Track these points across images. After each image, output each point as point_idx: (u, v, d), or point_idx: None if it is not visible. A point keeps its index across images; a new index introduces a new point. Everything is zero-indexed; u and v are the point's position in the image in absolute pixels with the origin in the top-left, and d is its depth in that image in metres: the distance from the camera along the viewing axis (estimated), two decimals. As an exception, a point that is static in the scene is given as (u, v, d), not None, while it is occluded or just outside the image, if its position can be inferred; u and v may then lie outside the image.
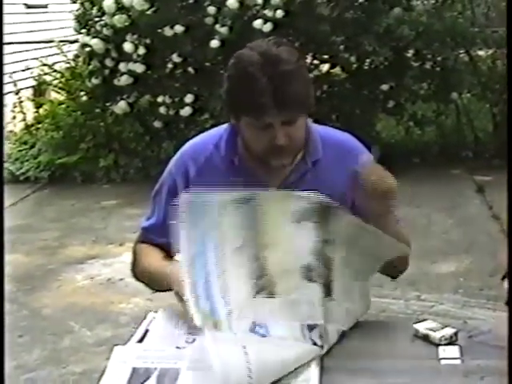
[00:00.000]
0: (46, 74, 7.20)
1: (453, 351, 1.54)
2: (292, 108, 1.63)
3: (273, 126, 1.63)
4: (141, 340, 1.61)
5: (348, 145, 1.81)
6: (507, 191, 1.33)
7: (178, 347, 1.55)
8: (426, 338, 1.58)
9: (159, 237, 1.81)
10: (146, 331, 1.64)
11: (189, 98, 6.07)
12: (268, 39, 1.69)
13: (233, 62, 1.67)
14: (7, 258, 4.36)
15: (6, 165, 6.76)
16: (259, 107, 1.61)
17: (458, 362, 1.50)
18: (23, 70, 8.06)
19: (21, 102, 7.72)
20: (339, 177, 1.70)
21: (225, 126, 1.80)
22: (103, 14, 6.01)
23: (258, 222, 1.46)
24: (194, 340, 1.58)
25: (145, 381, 1.44)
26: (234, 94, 1.66)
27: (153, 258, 1.81)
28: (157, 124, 6.34)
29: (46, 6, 10.80)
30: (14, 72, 8.02)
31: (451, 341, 1.57)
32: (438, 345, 1.56)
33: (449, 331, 1.58)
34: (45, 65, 7.17)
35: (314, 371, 1.45)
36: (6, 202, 5.99)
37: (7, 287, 4.17)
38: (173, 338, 1.60)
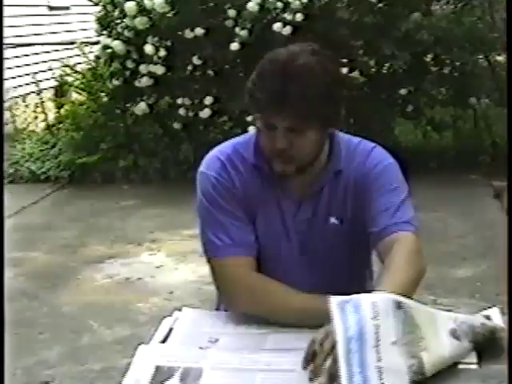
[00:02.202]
0: (67, 74, 7.26)
1: (470, 356, 1.52)
2: (298, 117, 1.61)
3: (277, 128, 1.64)
4: (165, 339, 1.62)
5: (371, 163, 1.78)
6: (507, 189, 1.35)
7: (201, 347, 1.57)
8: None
9: (248, 251, 1.75)
10: (170, 330, 1.66)
11: (208, 100, 6.12)
12: (308, 44, 1.69)
13: (263, 58, 1.68)
14: (28, 255, 4.42)
15: (27, 164, 6.84)
16: (266, 104, 1.62)
17: (475, 366, 1.49)
18: (45, 71, 8.15)
19: (42, 102, 7.80)
20: (357, 196, 1.74)
21: (252, 132, 1.80)
22: (125, 16, 6.06)
23: (412, 325, 1.47)
24: (216, 340, 1.60)
25: (168, 379, 1.45)
26: (252, 88, 1.66)
27: (286, 292, 1.69)
28: (176, 125, 6.38)
29: (68, 8, 10.90)
30: (37, 73, 8.13)
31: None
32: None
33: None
34: (67, 66, 7.23)
35: None
36: (27, 201, 6.08)
37: (28, 284, 4.24)
38: (196, 338, 1.62)
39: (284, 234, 1.79)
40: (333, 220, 1.78)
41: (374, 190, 1.73)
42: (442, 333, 1.50)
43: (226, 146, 1.82)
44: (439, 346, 1.48)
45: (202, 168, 1.80)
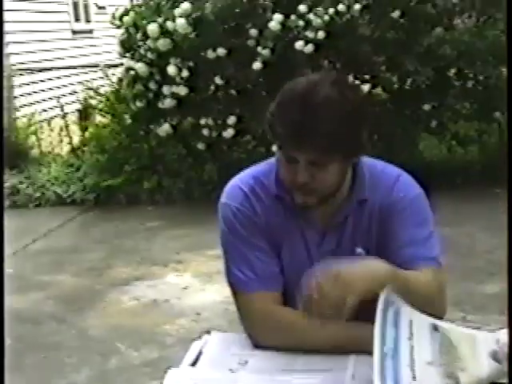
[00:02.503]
0: (91, 97, 7.33)
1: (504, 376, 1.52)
2: (319, 152, 1.57)
3: (298, 162, 1.60)
4: (194, 362, 1.61)
5: (398, 194, 1.72)
6: (507, 192, 1.32)
7: (231, 369, 1.56)
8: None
9: (273, 285, 1.72)
10: (200, 353, 1.65)
11: (231, 120, 6.13)
12: (328, 74, 1.67)
13: (283, 88, 1.64)
14: (55, 278, 4.44)
15: (53, 187, 6.89)
16: (286, 139, 1.59)
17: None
18: (69, 95, 8.24)
19: (67, 125, 7.88)
20: (382, 224, 1.70)
21: (273, 160, 1.74)
22: (147, 38, 6.11)
23: (449, 346, 1.48)
24: (246, 362, 1.59)
25: (198, 402, 1.45)
26: (271, 119, 1.62)
27: (314, 327, 1.63)
28: (200, 146, 6.40)
29: (91, 32, 11.03)
30: (61, 97, 8.22)
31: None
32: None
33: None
34: (90, 89, 7.30)
35: None
36: (54, 224, 6.12)
37: (55, 308, 4.26)
38: (226, 360, 1.61)
39: (309, 265, 1.74)
40: (359, 250, 1.75)
41: (400, 223, 1.69)
42: (482, 354, 1.50)
43: (247, 175, 1.77)
44: (478, 367, 1.47)
45: (223, 199, 1.76)
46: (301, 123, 1.54)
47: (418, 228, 1.69)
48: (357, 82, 6.38)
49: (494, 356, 1.49)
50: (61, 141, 8.00)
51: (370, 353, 1.53)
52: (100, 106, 7.15)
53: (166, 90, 6.16)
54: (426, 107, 6.24)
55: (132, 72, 6.27)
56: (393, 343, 1.41)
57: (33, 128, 8.11)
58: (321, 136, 1.55)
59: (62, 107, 7.99)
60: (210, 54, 5.98)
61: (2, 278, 1.21)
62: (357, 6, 5.89)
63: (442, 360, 1.43)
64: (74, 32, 10.60)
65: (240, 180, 1.77)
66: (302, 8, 5.83)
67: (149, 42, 6.10)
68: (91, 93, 7.29)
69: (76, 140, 7.81)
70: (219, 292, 4.24)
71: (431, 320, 1.47)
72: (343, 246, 1.74)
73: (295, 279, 1.73)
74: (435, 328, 1.46)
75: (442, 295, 1.68)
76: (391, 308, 1.49)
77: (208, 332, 1.75)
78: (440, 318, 1.61)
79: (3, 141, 5.47)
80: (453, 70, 6.36)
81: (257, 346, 1.69)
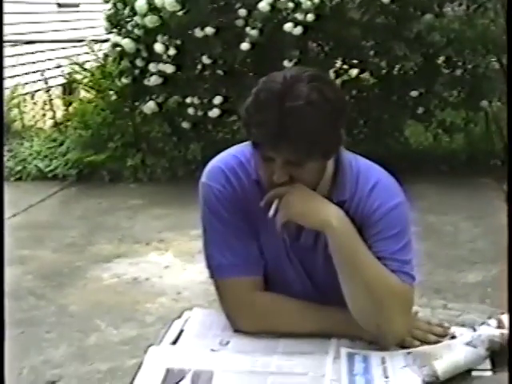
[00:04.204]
0: (76, 72, 7.24)
1: (485, 363, 1.53)
2: (297, 152, 1.52)
3: (275, 161, 1.56)
4: (175, 340, 1.61)
5: (372, 205, 1.64)
6: (507, 192, 1.32)
7: (212, 349, 1.56)
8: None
9: (254, 269, 1.70)
10: (181, 331, 1.64)
11: (217, 100, 6.09)
12: (305, 70, 1.57)
13: (259, 84, 1.57)
14: (35, 253, 4.39)
15: (35, 161, 6.82)
16: (262, 139, 1.54)
17: (489, 373, 1.50)
18: (54, 69, 8.15)
19: (51, 99, 7.79)
20: (357, 229, 1.63)
21: (248, 146, 1.65)
22: (135, 14, 6.03)
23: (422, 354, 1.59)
24: (228, 342, 1.59)
25: (179, 381, 1.45)
26: (246, 118, 1.57)
27: (295, 313, 1.67)
28: (185, 125, 6.35)
29: (77, 6, 10.91)
30: (45, 70, 8.13)
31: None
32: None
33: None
34: (75, 63, 7.22)
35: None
36: (35, 199, 6.06)
37: (35, 283, 4.22)
38: (207, 340, 1.61)
39: (285, 255, 1.72)
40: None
41: (373, 234, 1.62)
42: (457, 343, 1.55)
43: (229, 156, 1.73)
44: (453, 354, 1.51)
45: (205, 179, 1.71)
46: (278, 125, 1.49)
47: (391, 241, 1.62)
48: (345, 66, 6.37)
49: (469, 343, 1.52)
50: (44, 115, 7.92)
51: (350, 337, 1.56)
52: (85, 81, 7.06)
53: (152, 67, 6.10)
54: (414, 94, 6.22)
55: (118, 48, 6.19)
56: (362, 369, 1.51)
57: (16, 101, 8.01)
58: (299, 138, 1.50)
59: (46, 81, 7.90)
60: (198, 33, 5.92)
61: (2, 278, 1.19)
62: (347, -10, 5.85)
63: (416, 362, 1.50)
64: (60, 5, 10.47)
65: (222, 160, 1.73)
66: (292, -11, 5.78)
67: (136, 18, 6.03)
68: (76, 68, 7.20)
69: (59, 115, 7.74)
70: (201, 272, 4.19)
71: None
72: (319, 242, 1.68)
73: (272, 266, 1.72)
74: (408, 353, 1.55)
75: (405, 312, 1.61)
76: (357, 356, 1.55)
77: (189, 309, 1.74)
78: (389, 338, 1.61)
79: (3, 142, 5.38)
80: (441, 58, 6.34)
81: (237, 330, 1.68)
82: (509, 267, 1.27)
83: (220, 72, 6.21)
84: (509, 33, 1.38)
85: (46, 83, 7.82)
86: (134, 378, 1.47)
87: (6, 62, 8.50)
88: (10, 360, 1.27)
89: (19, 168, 6.76)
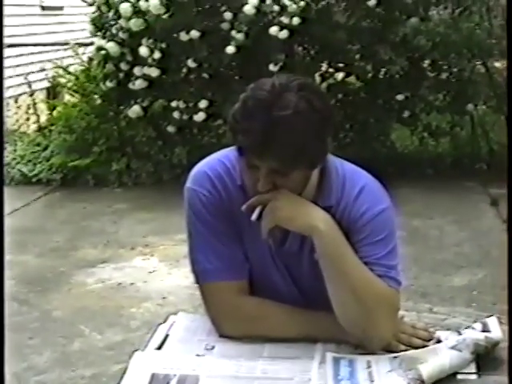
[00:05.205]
0: (60, 76, 7.20)
1: (470, 366, 1.53)
2: (282, 162, 1.51)
3: (259, 169, 1.54)
4: (160, 345, 1.60)
5: (359, 210, 1.63)
6: (507, 192, 1.31)
7: (197, 354, 1.55)
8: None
9: (239, 274, 1.68)
10: (166, 336, 1.63)
11: (203, 104, 6.06)
12: (294, 78, 1.55)
13: (247, 91, 1.56)
14: (18, 258, 4.34)
15: (18, 166, 6.77)
16: (248, 148, 1.53)
17: (474, 376, 1.50)
18: (38, 72, 8.09)
19: (35, 103, 7.74)
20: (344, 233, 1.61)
21: (234, 151, 1.63)
22: (119, 17, 6.00)
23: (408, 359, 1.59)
24: (213, 347, 1.58)
25: (164, 387, 1.43)
26: (233, 125, 1.56)
27: (281, 318, 1.66)
28: (170, 129, 6.33)
29: (61, 9, 10.86)
30: (29, 73, 8.07)
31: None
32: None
33: None
34: (59, 67, 7.17)
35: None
36: (18, 203, 6.01)
37: (18, 288, 4.17)
38: (192, 345, 1.60)
39: (270, 260, 1.71)
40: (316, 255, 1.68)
41: (360, 239, 1.61)
42: (443, 347, 1.55)
43: (214, 161, 1.72)
44: (438, 357, 1.52)
45: (190, 184, 1.70)
46: (264, 134, 1.47)
47: (377, 246, 1.61)
48: (331, 69, 6.37)
49: (454, 347, 1.53)
50: (28, 119, 7.86)
51: (336, 341, 1.55)
52: (69, 84, 7.02)
53: (137, 70, 6.07)
54: (399, 97, 6.24)
55: (103, 52, 6.16)
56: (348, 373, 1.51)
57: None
58: (285, 148, 1.49)
59: (29, 84, 7.84)
60: (183, 36, 5.90)
61: (1, 278, 1.17)
62: (333, -7, 5.86)
63: (401, 368, 1.50)
64: (44, 8, 10.41)
65: (207, 165, 1.71)
66: (278, -7, 5.78)
67: (121, 22, 6.00)
68: (60, 71, 7.16)
69: (43, 119, 7.68)
70: (186, 276, 4.19)
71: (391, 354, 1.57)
72: (305, 247, 1.67)
73: (257, 271, 1.71)
74: (394, 357, 1.55)
75: (391, 316, 1.61)
76: (343, 361, 1.55)
77: (175, 314, 1.73)
78: (375, 342, 1.60)
79: (3, 142, 5.35)
80: (427, 61, 6.37)
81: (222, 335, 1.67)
82: (509, 267, 1.26)
83: (205, 76, 6.19)
84: (509, 33, 1.37)
85: (30, 87, 7.76)
86: (115, 383, 1.45)
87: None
88: (4, 362, 1.26)
89: (3, 172, 6.70)
